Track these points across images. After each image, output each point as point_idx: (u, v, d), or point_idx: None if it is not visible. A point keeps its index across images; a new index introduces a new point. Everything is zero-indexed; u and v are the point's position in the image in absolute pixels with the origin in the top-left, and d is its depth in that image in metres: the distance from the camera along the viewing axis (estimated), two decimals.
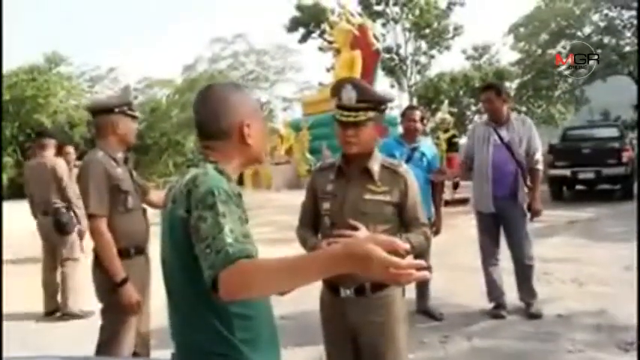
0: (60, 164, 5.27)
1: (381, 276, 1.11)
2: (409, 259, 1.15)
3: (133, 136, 3.04)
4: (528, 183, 4.47)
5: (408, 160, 4.25)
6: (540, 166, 4.48)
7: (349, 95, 2.10)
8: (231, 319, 1.41)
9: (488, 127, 4.54)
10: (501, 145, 4.42)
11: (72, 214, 5.23)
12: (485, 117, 4.85)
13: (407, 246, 1.20)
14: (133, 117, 3.05)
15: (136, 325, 2.97)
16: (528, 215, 4.50)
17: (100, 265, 2.83)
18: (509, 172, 4.40)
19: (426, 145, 4.61)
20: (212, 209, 1.31)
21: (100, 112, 3.01)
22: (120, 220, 2.85)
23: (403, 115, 4.73)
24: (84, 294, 5.65)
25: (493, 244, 4.62)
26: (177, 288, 1.47)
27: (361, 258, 1.11)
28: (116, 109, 2.96)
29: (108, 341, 2.90)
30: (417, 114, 4.62)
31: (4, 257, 5.61)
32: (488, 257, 4.62)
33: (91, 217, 2.82)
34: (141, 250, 2.98)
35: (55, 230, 5.16)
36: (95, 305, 5.25)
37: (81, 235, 5.38)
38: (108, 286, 2.80)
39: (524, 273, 4.51)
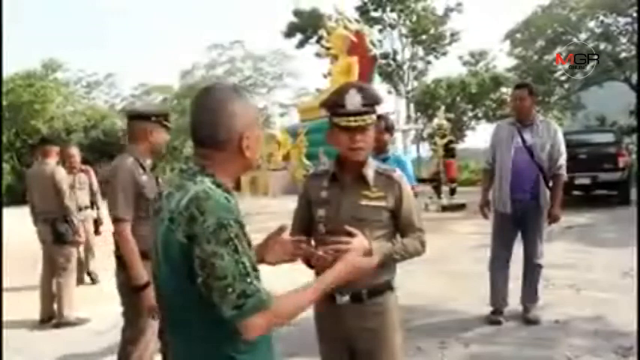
0: (59, 172, 5.17)
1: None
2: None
3: (163, 145, 3.14)
4: (550, 185, 4.44)
5: None
6: (563, 172, 4.42)
7: (354, 100, 2.07)
8: (231, 334, 1.38)
9: (512, 127, 4.49)
10: (523, 148, 4.38)
11: (69, 224, 5.13)
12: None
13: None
14: (167, 128, 3.13)
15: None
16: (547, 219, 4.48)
17: (123, 267, 2.90)
18: (530, 175, 4.36)
19: (395, 157, 4.26)
20: (227, 245, 1.29)
21: (137, 117, 3.10)
22: (142, 225, 2.87)
23: None
24: (79, 301, 5.64)
25: (505, 247, 4.56)
26: (172, 306, 1.44)
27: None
28: (153, 118, 3.06)
29: (129, 342, 3.00)
30: (381, 124, 4.24)
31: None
32: (497, 259, 4.58)
33: (116, 220, 2.89)
34: None
35: (53, 240, 5.12)
36: (90, 312, 5.24)
37: (76, 244, 5.35)
38: (129, 289, 2.89)
39: (531, 273, 4.49)
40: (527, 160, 4.36)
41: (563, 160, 4.41)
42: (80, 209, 6.00)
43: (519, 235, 4.55)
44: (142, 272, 2.81)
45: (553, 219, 4.45)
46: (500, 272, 4.56)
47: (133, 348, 2.99)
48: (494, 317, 4.47)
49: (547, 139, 4.37)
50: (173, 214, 1.36)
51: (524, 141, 4.39)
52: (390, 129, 4.35)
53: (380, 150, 4.25)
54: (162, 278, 1.45)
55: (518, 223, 4.48)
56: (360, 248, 2.06)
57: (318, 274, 2.25)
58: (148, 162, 3.04)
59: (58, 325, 4.99)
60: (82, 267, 6.31)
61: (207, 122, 1.45)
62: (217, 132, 1.44)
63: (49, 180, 5.09)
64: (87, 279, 6.58)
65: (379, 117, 4.41)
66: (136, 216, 2.90)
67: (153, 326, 2.96)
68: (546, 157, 4.36)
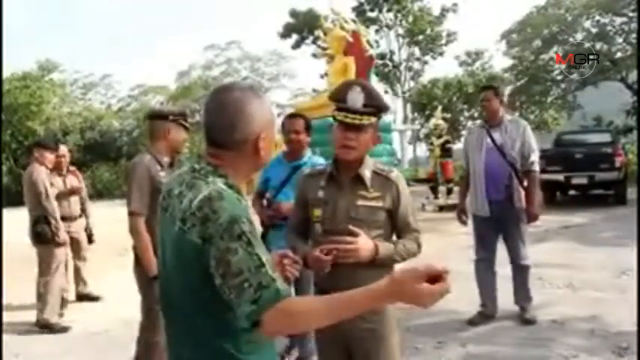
0: (35, 170, 5.06)
1: (428, 303, 1.24)
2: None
3: (181, 143, 3.28)
4: (526, 184, 4.40)
5: (285, 183, 3.43)
6: (536, 168, 4.38)
7: (356, 98, 2.07)
8: (239, 334, 1.37)
9: (482, 129, 4.51)
10: (494, 148, 4.36)
11: (48, 224, 4.98)
12: (479, 122, 4.82)
13: (445, 267, 1.27)
14: (186, 127, 3.27)
15: None
16: (525, 219, 4.43)
17: (138, 260, 3.08)
18: (503, 175, 4.33)
19: (315, 162, 3.35)
20: (240, 240, 1.28)
21: (156, 117, 3.29)
22: None
23: (283, 125, 3.75)
24: (74, 303, 5.62)
25: (488, 249, 4.56)
26: (180, 307, 1.42)
27: (412, 296, 1.24)
28: (171, 117, 3.22)
29: (145, 330, 3.15)
30: (300, 123, 3.62)
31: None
32: (481, 262, 4.60)
33: (131, 214, 3.03)
34: None
35: (33, 239, 5.06)
36: (85, 314, 5.21)
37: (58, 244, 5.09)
38: (144, 280, 3.04)
39: (520, 275, 4.49)
40: (499, 160, 4.34)
41: (534, 157, 4.36)
42: (73, 218, 5.68)
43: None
44: (153, 263, 2.90)
45: (532, 218, 4.39)
46: (485, 275, 4.57)
47: (149, 335, 3.12)
48: (475, 318, 4.49)
49: (517, 137, 4.34)
50: (185, 214, 1.34)
51: (494, 141, 4.37)
52: (309, 128, 3.66)
53: (295, 154, 3.64)
54: (170, 276, 1.43)
55: (496, 224, 4.46)
56: (367, 248, 2.05)
57: (317, 274, 2.25)
58: (166, 159, 3.16)
59: (43, 327, 4.89)
60: (77, 278, 6.00)
61: (223, 122, 1.43)
62: (234, 132, 1.42)
63: (29, 179, 5.05)
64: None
65: (295, 115, 3.89)
66: (154, 211, 2.94)
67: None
68: (518, 155, 4.32)
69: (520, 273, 4.50)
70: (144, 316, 3.19)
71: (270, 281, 1.26)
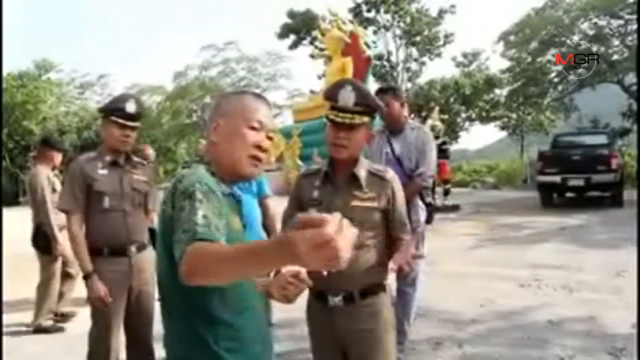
0: (38, 176, 4.88)
1: (313, 261, 0.95)
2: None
3: (115, 142, 2.99)
4: (429, 200, 4.01)
5: None
6: (421, 182, 3.79)
7: (347, 96, 2.07)
8: (218, 327, 1.37)
9: (382, 136, 3.94)
10: (392, 159, 3.84)
11: (45, 235, 4.83)
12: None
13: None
14: (120, 124, 2.97)
15: (123, 331, 3.03)
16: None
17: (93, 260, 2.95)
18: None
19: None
20: (190, 198, 1.30)
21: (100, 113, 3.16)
22: (94, 219, 2.96)
23: None
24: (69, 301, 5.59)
25: None
26: (166, 292, 1.43)
27: (286, 246, 0.97)
28: (102, 114, 3.07)
29: (92, 326, 2.99)
30: None
31: None
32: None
33: (61, 211, 3.05)
34: (117, 252, 2.95)
35: (33, 244, 4.98)
36: (83, 313, 5.18)
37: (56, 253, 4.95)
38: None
39: (399, 301, 3.76)
40: (398, 172, 3.83)
41: (425, 168, 3.79)
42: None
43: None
44: (86, 262, 2.88)
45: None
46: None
47: (96, 333, 2.97)
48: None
49: (414, 147, 3.84)
50: (166, 196, 1.40)
51: (393, 151, 3.87)
52: None
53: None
54: (160, 263, 1.44)
55: None
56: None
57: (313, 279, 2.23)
58: (107, 158, 3.01)
59: (37, 331, 4.86)
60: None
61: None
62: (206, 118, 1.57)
63: (30, 183, 4.96)
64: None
65: None
66: (91, 209, 2.96)
67: (111, 325, 2.95)
68: (415, 167, 3.82)
69: (400, 299, 3.80)
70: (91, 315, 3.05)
71: (192, 226, 1.22)
